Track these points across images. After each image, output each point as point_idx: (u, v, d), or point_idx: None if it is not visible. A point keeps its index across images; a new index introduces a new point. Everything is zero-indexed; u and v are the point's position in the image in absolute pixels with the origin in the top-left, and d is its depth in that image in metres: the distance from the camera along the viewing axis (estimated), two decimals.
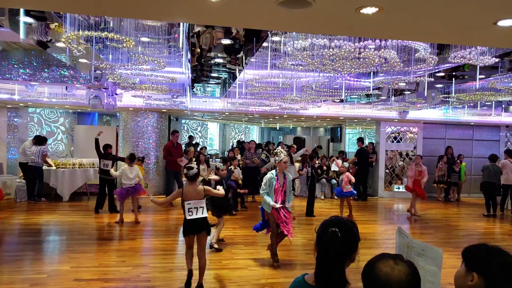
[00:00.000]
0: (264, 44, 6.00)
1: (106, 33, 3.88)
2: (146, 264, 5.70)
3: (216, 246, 6.29)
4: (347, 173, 8.99)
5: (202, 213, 4.65)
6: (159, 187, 11.82)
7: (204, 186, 4.83)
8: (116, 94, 8.92)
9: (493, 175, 10.08)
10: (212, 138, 20.37)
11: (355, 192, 9.08)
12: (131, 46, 4.19)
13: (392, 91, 9.44)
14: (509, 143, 14.09)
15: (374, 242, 7.45)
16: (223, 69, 9.23)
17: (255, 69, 7.27)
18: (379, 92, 9.39)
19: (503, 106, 11.80)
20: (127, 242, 6.77)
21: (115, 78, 6.26)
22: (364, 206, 11.23)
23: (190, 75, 8.14)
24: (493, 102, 9.88)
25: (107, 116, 16.10)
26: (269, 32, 4.86)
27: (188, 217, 4.60)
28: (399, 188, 13.19)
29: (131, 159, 8.30)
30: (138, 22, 4.84)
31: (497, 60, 5.05)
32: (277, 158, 5.55)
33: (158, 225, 8.13)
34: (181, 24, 5.19)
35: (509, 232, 8.59)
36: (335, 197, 12.22)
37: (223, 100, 11.32)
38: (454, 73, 7.67)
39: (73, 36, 3.84)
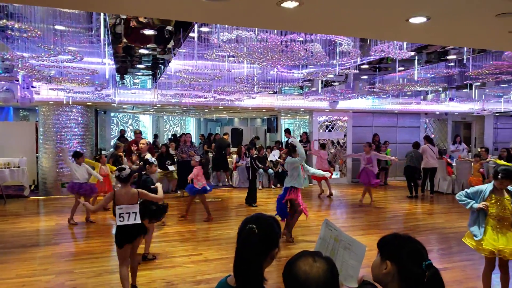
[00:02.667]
0: (194, 35, 5.82)
1: (4, 20, 3.42)
2: (72, 270, 5.32)
3: (150, 256, 5.77)
4: (199, 167, 8.09)
5: (135, 219, 4.26)
6: None
7: (139, 190, 4.44)
8: (32, 86, 8.16)
9: (414, 159, 10.88)
10: (145, 131, 19.63)
11: (208, 188, 8.20)
12: (36, 35, 3.77)
13: (322, 83, 9.73)
14: (428, 129, 15.28)
15: (307, 229, 7.65)
16: (152, 60, 8.86)
17: (186, 60, 7.05)
18: (309, 84, 9.63)
19: (422, 95, 12.72)
20: (50, 248, 6.28)
21: (26, 70, 5.67)
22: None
23: (114, 66, 7.68)
24: (413, 91, 10.59)
25: (24, 110, 14.77)
26: (195, 23, 4.69)
27: (119, 223, 4.24)
28: None
29: (76, 156, 7.65)
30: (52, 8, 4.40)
31: (413, 53, 5.37)
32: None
33: (85, 227, 7.66)
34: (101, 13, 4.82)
35: (428, 211, 9.33)
36: (272, 186, 12.48)
37: (154, 91, 10.90)
38: (378, 65, 8.06)
39: None
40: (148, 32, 5.25)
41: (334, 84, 10.13)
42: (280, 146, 14.20)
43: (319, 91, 9.88)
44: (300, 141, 13.24)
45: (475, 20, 3.14)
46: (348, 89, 9.74)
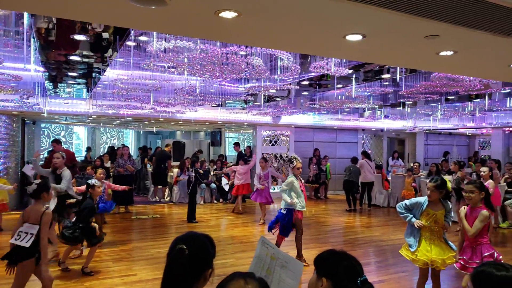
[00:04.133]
0: (132, 43, 5.57)
1: None
2: None
3: (87, 270, 5.51)
4: (107, 181, 7.27)
5: (27, 242, 3.73)
6: (10, 202, 10.14)
7: (46, 211, 3.94)
8: None
9: (353, 174, 11.26)
10: (79, 144, 18.50)
11: (112, 206, 7.43)
12: None
13: (265, 98, 9.80)
14: (365, 145, 15.98)
15: (249, 244, 7.52)
16: (87, 68, 8.38)
17: (124, 70, 6.73)
18: (252, 98, 9.66)
19: (360, 112, 13.30)
20: None
21: None
22: (242, 208, 11.40)
23: (43, 73, 7.13)
24: (351, 108, 11.03)
25: None
26: (131, 30, 4.47)
27: (12, 241, 3.79)
28: (274, 188, 13.81)
29: None
30: None
31: (350, 71, 5.56)
32: (290, 164, 6.06)
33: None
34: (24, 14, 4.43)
35: (366, 224, 9.63)
36: (215, 201, 12.23)
37: (89, 101, 10.32)
38: (317, 82, 8.27)
39: None
40: (79, 37, 4.91)
41: (277, 99, 10.27)
42: (224, 160, 14.05)
43: (262, 105, 9.96)
44: (244, 155, 13.19)
45: (406, 41, 3.28)
46: (290, 104, 9.91)
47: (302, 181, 6.24)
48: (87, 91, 10.00)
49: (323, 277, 1.65)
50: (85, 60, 7.34)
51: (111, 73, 7.21)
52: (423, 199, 4.18)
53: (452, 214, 4.28)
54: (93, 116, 11.50)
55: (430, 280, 4.27)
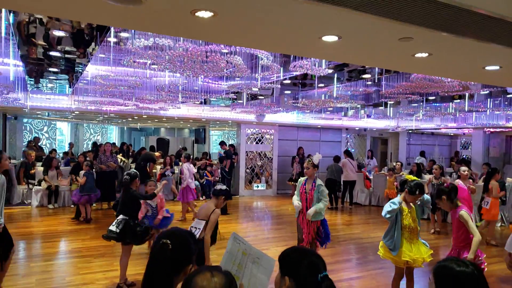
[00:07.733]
0: (113, 39, 5.53)
1: None
2: None
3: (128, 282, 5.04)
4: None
5: (197, 235, 3.90)
6: None
7: (216, 210, 4.11)
8: None
9: (335, 173, 11.37)
10: (62, 139, 18.25)
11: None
12: None
13: (248, 96, 9.82)
14: (348, 144, 16.14)
15: (220, 243, 7.52)
16: (69, 64, 8.29)
17: (107, 66, 6.67)
18: (235, 96, 9.68)
19: (343, 111, 13.42)
20: None
21: None
22: (227, 205, 11.42)
23: (23, 68, 7.02)
24: (334, 107, 11.13)
25: None
26: (111, 27, 4.44)
27: None
28: (258, 186, 13.88)
29: None
30: None
31: (331, 71, 5.62)
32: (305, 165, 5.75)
33: None
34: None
35: (347, 222, 9.76)
36: (201, 198, 12.20)
37: (71, 97, 10.19)
38: (300, 81, 8.34)
39: None
40: (58, 33, 4.85)
41: (260, 97, 10.30)
42: (208, 158, 14.02)
43: (244, 103, 9.96)
44: (227, 152, 13.16)
45: (381, 42, 3.34)
46: (274, 103, 9.96)
47: (317, 184, 5.50)
48: (69, 87, 9.88)
49: (286, 276, 1.68)
50: (67, 55, 7.25)
51: (93, 69, 7.15)
52: (396, 201, 4.15)
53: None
54: (75, 112, 11.36)
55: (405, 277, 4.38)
